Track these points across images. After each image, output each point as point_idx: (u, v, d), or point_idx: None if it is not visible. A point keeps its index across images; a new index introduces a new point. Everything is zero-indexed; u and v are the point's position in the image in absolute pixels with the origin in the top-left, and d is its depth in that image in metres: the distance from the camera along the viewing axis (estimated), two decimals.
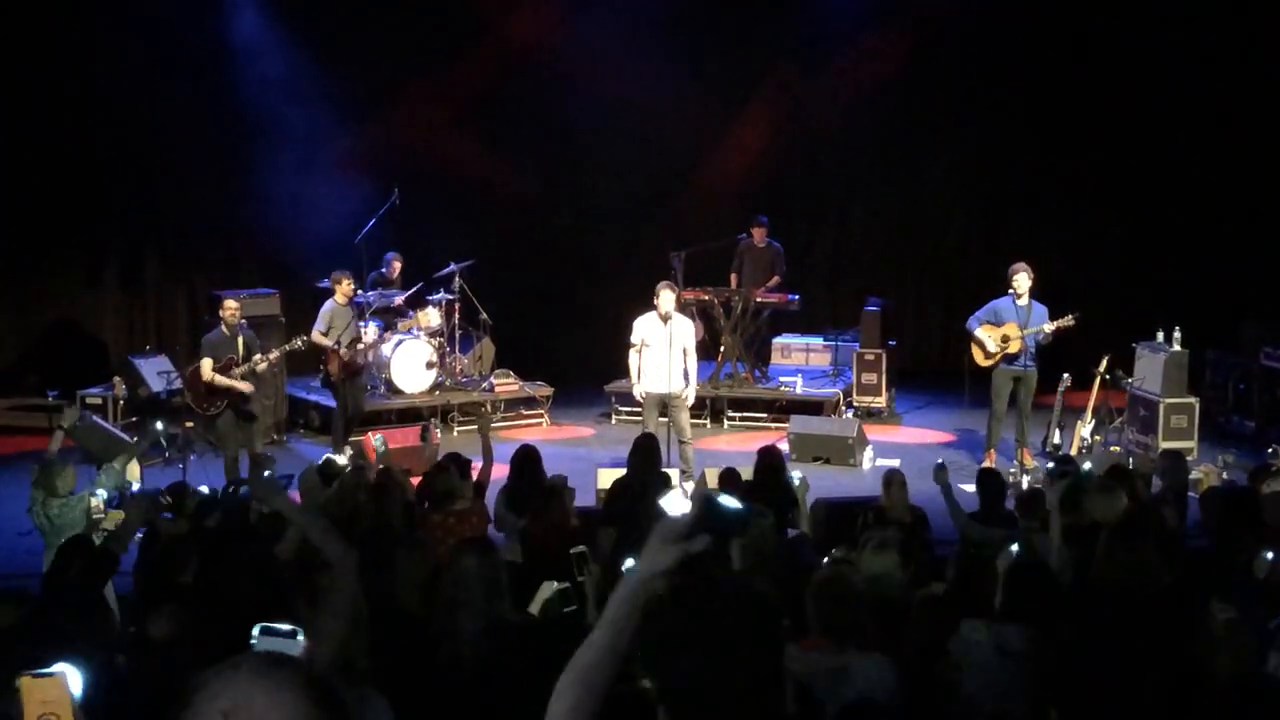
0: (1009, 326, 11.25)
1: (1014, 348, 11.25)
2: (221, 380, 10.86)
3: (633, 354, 10.96)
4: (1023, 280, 11.23)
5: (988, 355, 11.44)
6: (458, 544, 5.09)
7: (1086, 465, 8.29)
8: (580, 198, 16.57)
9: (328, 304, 12.17)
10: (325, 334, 11.99)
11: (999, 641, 3.74)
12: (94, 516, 7.82)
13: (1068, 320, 11.13)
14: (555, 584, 4.89)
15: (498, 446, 8.14)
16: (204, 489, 8.11)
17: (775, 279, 13.90)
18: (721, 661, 2.26)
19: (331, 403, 12.65)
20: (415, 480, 8.16)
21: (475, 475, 7.86)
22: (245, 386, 10.93)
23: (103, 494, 8.12)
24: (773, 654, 2.37)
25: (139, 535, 7.54)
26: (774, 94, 16.40)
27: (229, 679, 1.85)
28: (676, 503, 4.25)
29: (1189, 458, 10.59)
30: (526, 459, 8.24)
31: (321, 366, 12.45)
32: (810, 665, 4.15)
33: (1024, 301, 11.25)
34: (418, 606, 5.04)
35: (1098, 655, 4.07)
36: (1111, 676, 3.76)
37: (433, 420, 13.14)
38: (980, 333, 11.43)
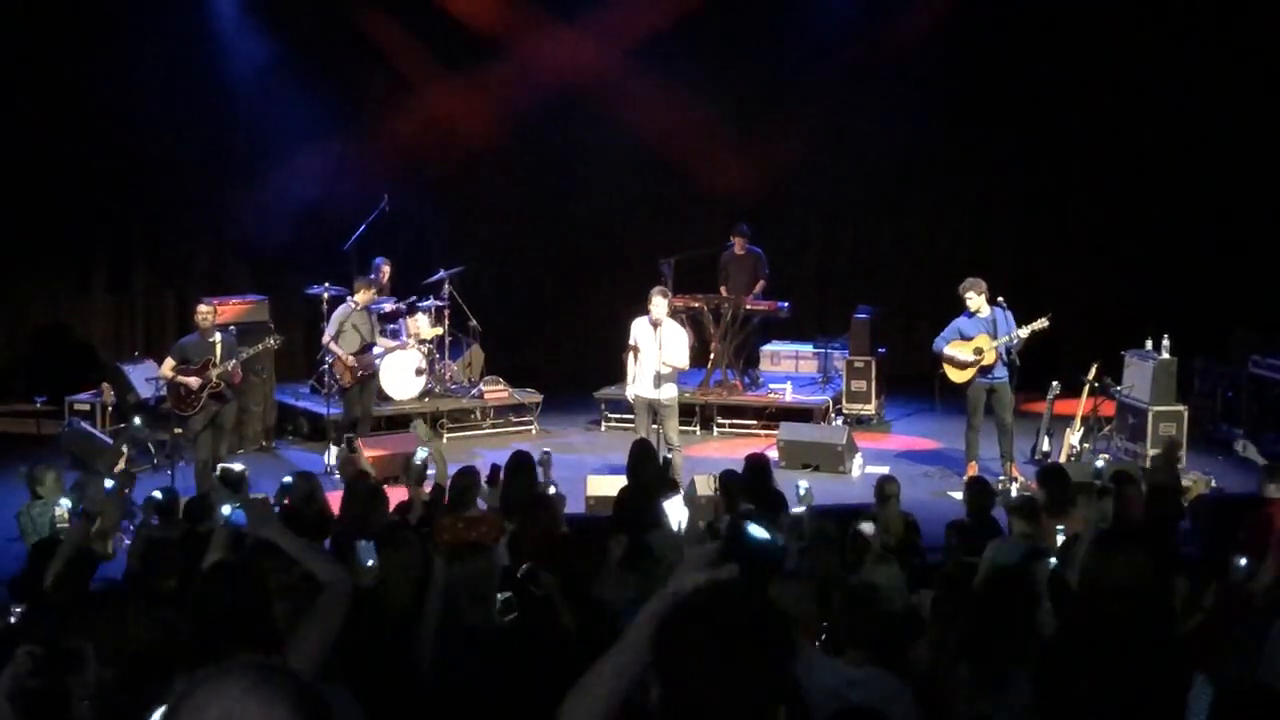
0: (980, 339, 11.15)
1: (989, 359, 11.14)
2: (170, 376, 10.60)
3: (629, 355, 11.01)
4: (973, 298, 11.13)
5: (962, 368, 11.30)
6: (453, 548, 5.05)
7: None
8: (570, 205, 16.52)
9: (342, 307, 12.06)
10: (335, 339, 11.90)
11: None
12: (57, 525, 7.75)
13: (1041, 323, 11.03)
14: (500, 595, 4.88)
15: (488, 453, 8.17)
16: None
17: (760, 284, 13.90)
18: (728, 675, 2.23)
19: (321, 409, 12.55)
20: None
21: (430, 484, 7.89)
22: (192, 381, 10.54)
23: (67, 503, 8.04)
24: (780, 670, 2.34)
25: (127, 543, 7.49)
26: (763, 102, 16.38)
27: (218, 688, 1.82)
28: (676, 509, 4.27)
29: (1178, 465, 10.58)
30: (520, 465, 8.23)
31: (325, 369, 12.44)
32: (831, 675, 4.12)
33: (985, 314, 11.12)
34: (406, 602, 5.00)
35: (1088, 664, 4.05)
36: (1102, 686, 3.74)
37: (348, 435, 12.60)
38: (950, 349, 11.29)
